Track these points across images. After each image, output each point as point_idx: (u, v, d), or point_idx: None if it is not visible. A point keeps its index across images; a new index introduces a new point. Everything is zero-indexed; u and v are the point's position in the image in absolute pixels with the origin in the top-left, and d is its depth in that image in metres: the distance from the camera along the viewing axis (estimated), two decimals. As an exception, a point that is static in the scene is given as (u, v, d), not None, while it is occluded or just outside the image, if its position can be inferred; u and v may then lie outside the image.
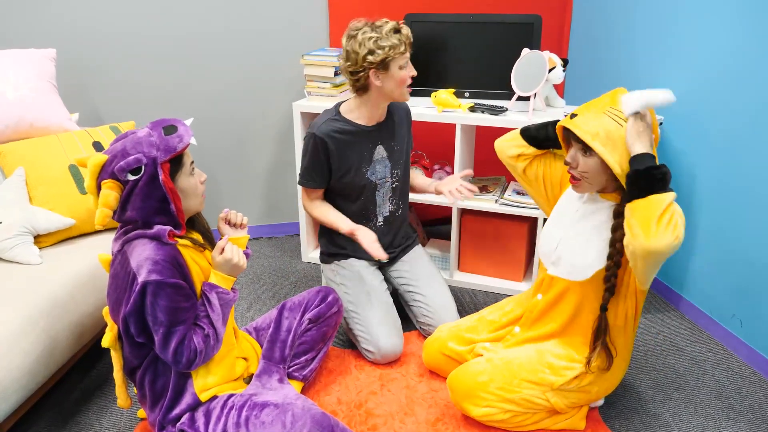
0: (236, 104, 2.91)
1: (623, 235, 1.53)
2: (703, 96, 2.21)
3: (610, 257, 1.59)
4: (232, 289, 1.58)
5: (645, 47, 2.52)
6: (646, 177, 1.41)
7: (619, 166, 1.48)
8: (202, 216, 1.70)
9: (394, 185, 2.18)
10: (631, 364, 2.09)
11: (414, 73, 1.97)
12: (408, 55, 1.92)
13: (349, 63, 1.91)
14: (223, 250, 1.54)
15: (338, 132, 2.02)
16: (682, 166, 2.34)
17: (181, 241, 1.51)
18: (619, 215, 1.55)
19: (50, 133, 2.16)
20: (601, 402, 1.87)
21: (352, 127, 2.04)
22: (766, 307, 2.01)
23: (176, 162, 1.48)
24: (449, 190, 2.06)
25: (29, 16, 2.53)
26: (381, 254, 1.95)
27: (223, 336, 1.56)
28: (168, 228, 1.46)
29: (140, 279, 1.39)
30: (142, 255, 1.42)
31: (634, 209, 1.42)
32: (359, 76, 1.91)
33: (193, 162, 1.54)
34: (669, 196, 1.40)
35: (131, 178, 1.41)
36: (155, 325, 1.42)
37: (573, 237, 1.67)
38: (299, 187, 2.63)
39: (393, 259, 2.27)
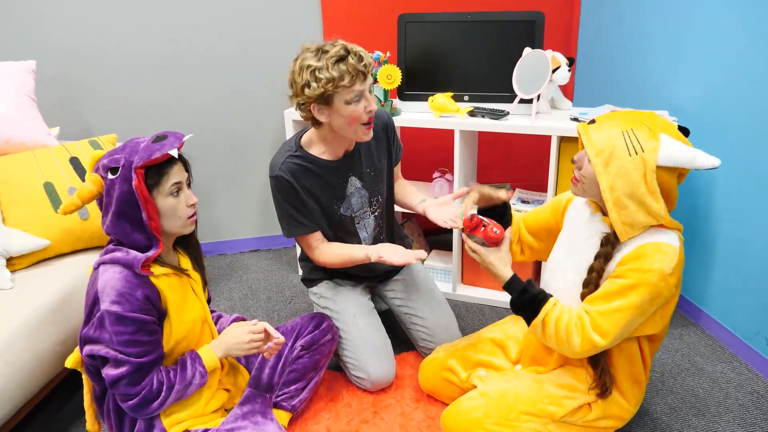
0: (228, 115, 2.81)
1: (603, 263, 1.43)
2: (722, 98, 2.03)
3: (585, 284, 1.46)
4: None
5: (659, 44, 2.35)
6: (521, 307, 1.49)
7: (609, 191, 1.36)
8: (196, 238, 1.60)
9: (376, 213, 1.94)
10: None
11: (373, 107, 1.64)
12: (359, 87, 1.59)
13: (291, 93, 1.65)
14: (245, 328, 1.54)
15: (300, 170, 1.76)
16: (700, 172, 2.17)
17: (157, 270, 1.41)
18: (606, 243, 1.43)
19: (27, 149, 2.07)
20: None
21: (315, 165, 1.77)
22: (794, 325, 1.84)
23: (154, 176, 1.37)
24: (443, 220, 1.75)
25: (8, 28, 2.45)
26: (419, 254, 1.70)
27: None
28: (143, 257, 1.37)
29: (102, 306, 1.33)
30: (109, 282, 1.35)
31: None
32: (303, 109, 1.65)
33: (179, 183, 1.42)
34: (538, 321, 1.45)
35: (110, 177, 1.36)
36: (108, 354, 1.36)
37: (580, 262, 1.51)
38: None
39: (386, 275, 2.10)
